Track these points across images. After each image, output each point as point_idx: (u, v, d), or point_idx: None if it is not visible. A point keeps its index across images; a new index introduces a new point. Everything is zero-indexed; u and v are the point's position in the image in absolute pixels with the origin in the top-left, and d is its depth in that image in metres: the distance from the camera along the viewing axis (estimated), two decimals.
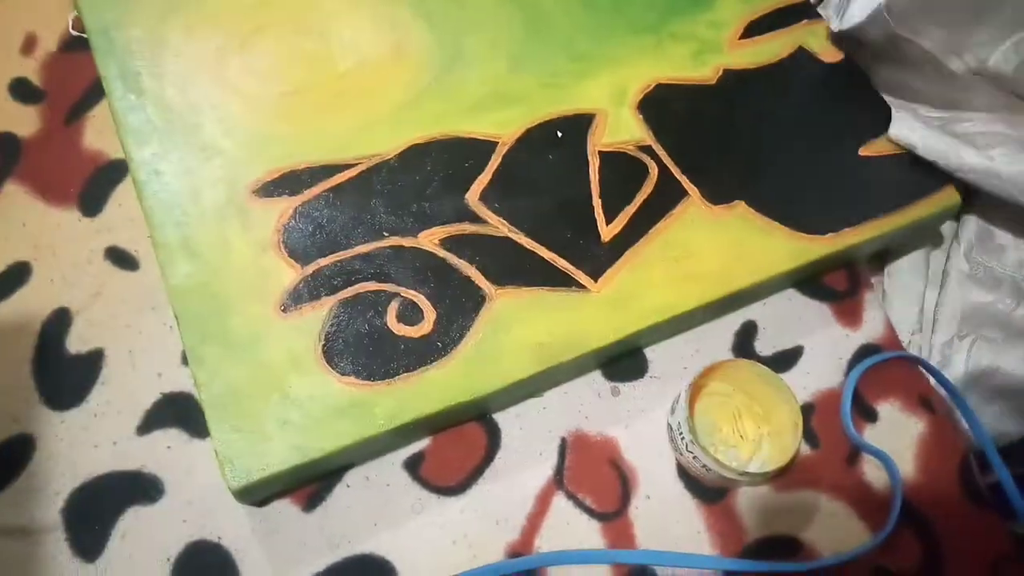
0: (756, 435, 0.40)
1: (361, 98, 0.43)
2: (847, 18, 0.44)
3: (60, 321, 0.41)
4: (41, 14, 0.46)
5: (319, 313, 0.38)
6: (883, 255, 0.48)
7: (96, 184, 0.43)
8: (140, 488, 0.38)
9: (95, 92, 0.45)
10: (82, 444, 0.38)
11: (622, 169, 0.42)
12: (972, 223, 0.46)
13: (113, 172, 0.44)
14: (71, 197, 0.43)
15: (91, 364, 0.40)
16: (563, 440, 0.40)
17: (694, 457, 0.38)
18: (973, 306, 0.45)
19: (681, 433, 0.39)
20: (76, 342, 0.40)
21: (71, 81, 0.45)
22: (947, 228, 0.48)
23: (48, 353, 0.40)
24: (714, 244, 0.41)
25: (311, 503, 0.38)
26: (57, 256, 0.42)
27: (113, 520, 0.37)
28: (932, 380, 0.44)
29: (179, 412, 0.39)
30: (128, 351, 0.40)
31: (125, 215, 0.43)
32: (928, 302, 0.46)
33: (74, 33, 0.46)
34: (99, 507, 0.37)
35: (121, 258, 0.42)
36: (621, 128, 0.43)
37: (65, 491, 0.38)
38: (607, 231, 0.41)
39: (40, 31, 0.46)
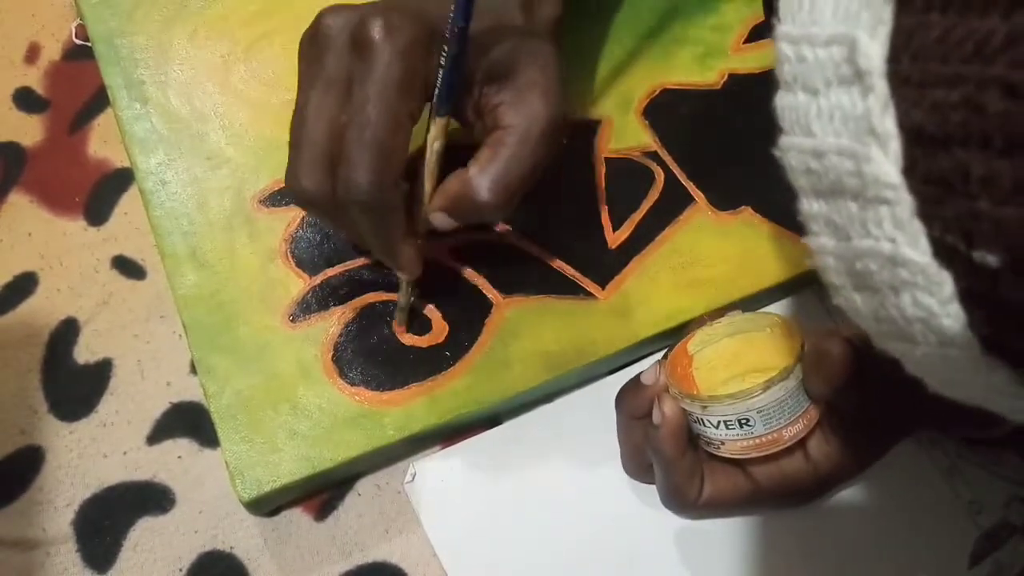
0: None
1: None
2: None
3: (68, 331, 0.41)
4: (44, 23, 0.46)
5: (327, 323, 0.38)
6: None
7: (102, 193, 0.43)
8: (151, 498, 0.38)
9: (99, 101, 0.44)
10: (92, 455, 0.38)
11: (628, 175, 0.42)
12: None
13: (118, 181, 0.44)
14: (77, 207, 0.43)
15: (99, 374, 0.40)
16: None
17: (720, 424, 0.32)
18: None
19: (693, 415, 0.33)
20: (84, 352, 0.40)
21: (75, 90, 0.45)
22: None
23: (56, 363, 0.40)
24: (721, 250, 0.41)
25: (323, 512, 0.38)
26: (64, 266, 0.42)
27: (125, 531, 0.37)
28: None
29: (189, 421, 0.39)
30: (137, 360, 0.40)
31: (131, 224, 0.43)
32: None
33: (78, 42, 0.45)
34: (110, 518, 0.37)
35: (128, 267, 0.42)
36: (627, 134, 0.43)
37: (75, 502, 0.38)
38: (614, 238, 0.41)
39: (43, 40, 0.46)
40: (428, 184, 0.34)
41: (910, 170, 0.16)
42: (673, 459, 0.32)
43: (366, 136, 0.30)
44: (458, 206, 0.33)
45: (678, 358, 0.34)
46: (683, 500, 0.33)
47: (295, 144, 0.33)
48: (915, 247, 0.16)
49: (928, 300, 0.16)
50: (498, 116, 0.33)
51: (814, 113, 0.17)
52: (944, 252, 0.16)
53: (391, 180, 0.31)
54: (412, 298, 0.38)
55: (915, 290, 0.17)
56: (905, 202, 0.16)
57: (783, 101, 0.18)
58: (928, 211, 0.16)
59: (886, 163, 0.16)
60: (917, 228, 0.16)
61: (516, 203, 0.34)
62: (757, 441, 0.33)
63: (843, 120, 0.17)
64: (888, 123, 0.16)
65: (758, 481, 0.33)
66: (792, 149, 0.18)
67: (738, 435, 0.33)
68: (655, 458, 0.33)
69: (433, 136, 0.33)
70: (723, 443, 0.33)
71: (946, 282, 0.16)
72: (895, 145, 0.16)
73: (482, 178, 0.32)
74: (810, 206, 0.19)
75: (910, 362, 0.19)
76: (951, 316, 0.16)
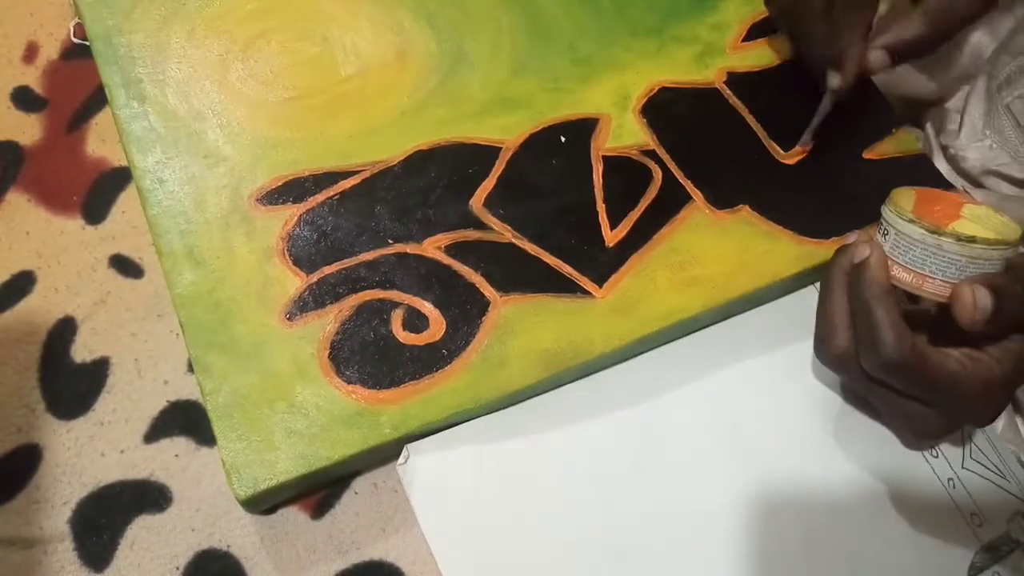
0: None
1: (365, 103, 0.43)
2: None
3: (65, 330, 0.41)
4: (43, 22, 0.46)
5: (324, 321, 0.38)
6: None
7: (99, 192, 0.43)
8: (148, 497, 0.38)
9: (97, 100, 0.45)
10: (89, 453, 0.38)
11: (626, 174, 0.42)
12: None
13: (116, 180, 0.44)
14: (74, 205, 0.43)
15: (97, 373, 0.40)
16: None
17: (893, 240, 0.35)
18: None
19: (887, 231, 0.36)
20: (81, 351, 0.40)
21: (73, 89, 0.45)
22: None
23: (54, 362, 0.40)
24: (718, 249, 0.41)
25: (319, 510, 0.38)
26: (61, 264, 0.42)
27: (121, 529, 0.37)
28: None
29: (186, 420, 0.39)
30: (134, 359, 0.40)
31: (129, 223, 0.43)
32: None
33: (76, 40, 0.45)
34: (107, 516, 0.37)
35: (126, 266, 0.42)
36: (625, 132, 0.43)
37: (73, 501, 0.38)
38: (611, 236, 0.41)
39: (42, 39, 0.46)
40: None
41: None
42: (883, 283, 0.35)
43: None
44: (899, 40, 0.40)
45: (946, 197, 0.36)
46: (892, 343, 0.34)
47: None
48: None
49: None
50: None
51: None
52: None
53: None
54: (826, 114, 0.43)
55: None
56: None
57: None
58: None
59: None
60: None
61: (945, 41, 0.40)
62: (904, 272, 0.35)
63: None
64: None
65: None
66: None
67: (896, 253, 0.35)
68: (860, 300, 0.35)
69: None
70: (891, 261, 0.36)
71: None
72: None
73: (923, 18, 0.39)
74: None
75: None
76: None
